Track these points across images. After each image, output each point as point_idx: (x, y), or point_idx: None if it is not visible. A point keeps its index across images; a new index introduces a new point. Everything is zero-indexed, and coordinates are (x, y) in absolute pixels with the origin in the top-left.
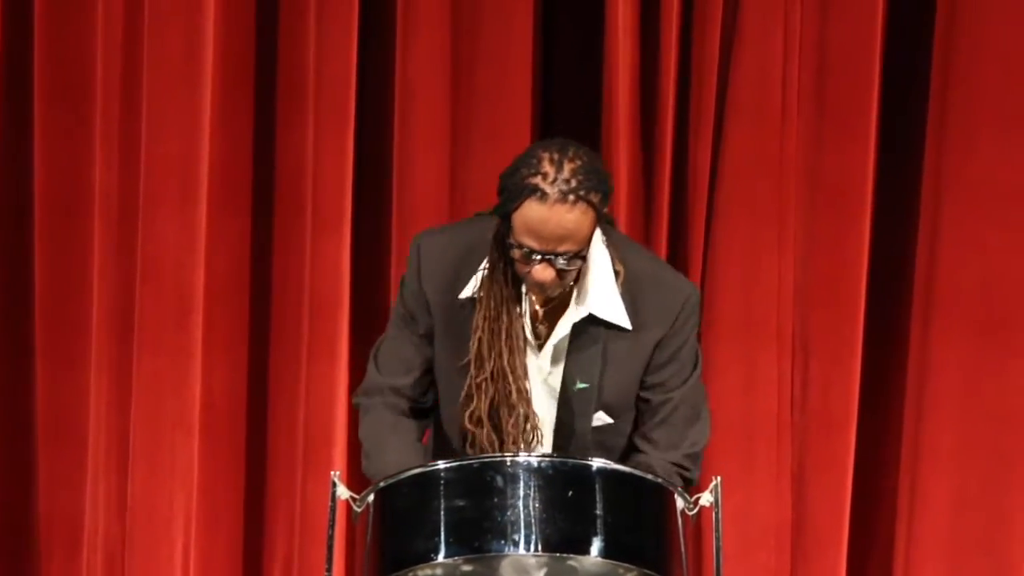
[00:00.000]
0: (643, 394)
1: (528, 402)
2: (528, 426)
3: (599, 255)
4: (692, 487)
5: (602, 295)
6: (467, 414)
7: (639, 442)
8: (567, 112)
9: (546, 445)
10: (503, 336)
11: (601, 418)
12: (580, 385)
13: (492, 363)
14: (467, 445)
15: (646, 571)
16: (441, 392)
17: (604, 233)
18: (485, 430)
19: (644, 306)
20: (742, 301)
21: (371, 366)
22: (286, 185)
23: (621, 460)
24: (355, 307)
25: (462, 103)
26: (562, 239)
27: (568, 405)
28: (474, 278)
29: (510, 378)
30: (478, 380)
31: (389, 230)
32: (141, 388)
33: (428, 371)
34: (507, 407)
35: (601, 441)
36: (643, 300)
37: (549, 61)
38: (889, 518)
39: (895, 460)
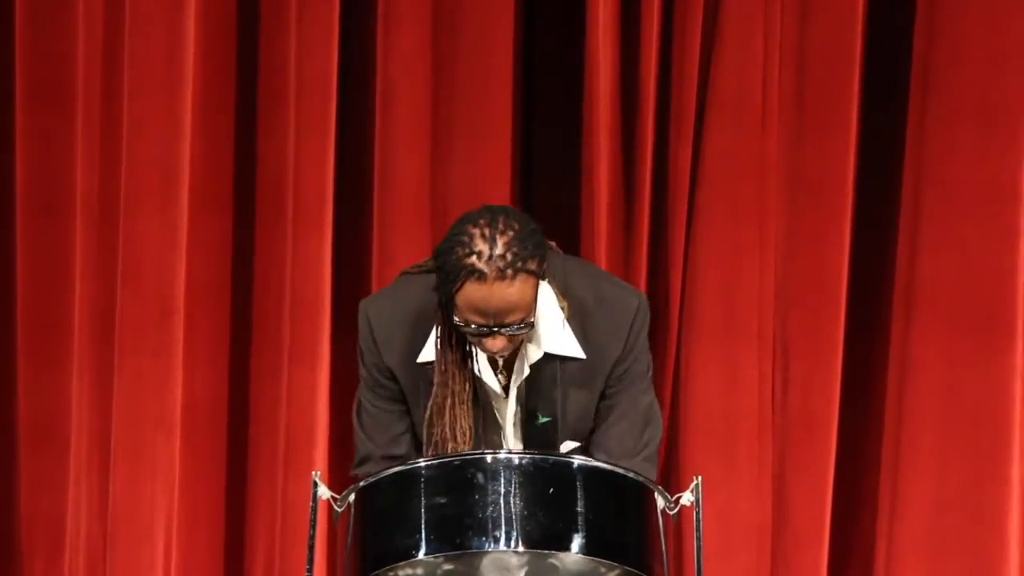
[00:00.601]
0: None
1: None
2: None
3: (544, 296)
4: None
5: (552, 332)
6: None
7: (593, 450)
8: (548, 111)
9: None
10: (452, 402)
11: (568, 445)
12: (542, 420)
13: (440, 428)
14: None
15: (627, 568)
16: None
17: (543, 263)
18: None
19: (594, 330)
20: (723, 301)
21: (360, 435)
22: (267, 186)
23: None
24: (336, 308)
25: (443, 103)
26: (507, 312)
27: (534, 439)
28: (429, 341)
29: (450, 446)
30: (440, 439)
31: (371, 230)
32: (122, 389)
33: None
34: None
35: None
36: (592, 325)
37: (530, 60)
38: (870, 518)
39: (876, 460)
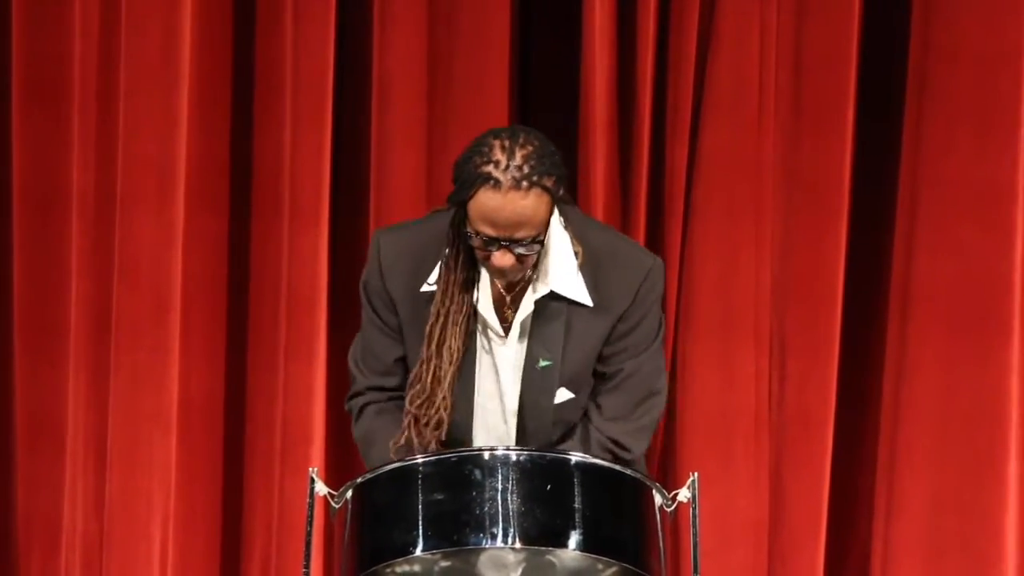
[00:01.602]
0: (598, 366)
1: (442, 385)
2: (437, 412)
3: (558, 236)
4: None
5: (563, 273)
6: (411, 391)
7: (588, 407)
8: (544, 107)
9: (510, 424)
10: (444, 321)
11: (563, 394)
12: (543, 363)
13: (435, 343)
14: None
15: (624, 565)
16: None
17: (562, 214)
18: (409, 412)
19: (605, 282)
20: (720, 299)
21: (353, 369)
22: (263, 183)
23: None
24: (333, 304)
25: (439, 99)
26: (518, 225)
27: (532, 384)
28: (435, 270)
29: (433, 363)
30: (427, 355)
31: (367, 227)
32: (119, 386)
33: (407, 364)
34: (425, 389)
35: (561, 416)
36: (603, 276)
37: (526, 56)
38: (866, 516)
39: (872, 458)
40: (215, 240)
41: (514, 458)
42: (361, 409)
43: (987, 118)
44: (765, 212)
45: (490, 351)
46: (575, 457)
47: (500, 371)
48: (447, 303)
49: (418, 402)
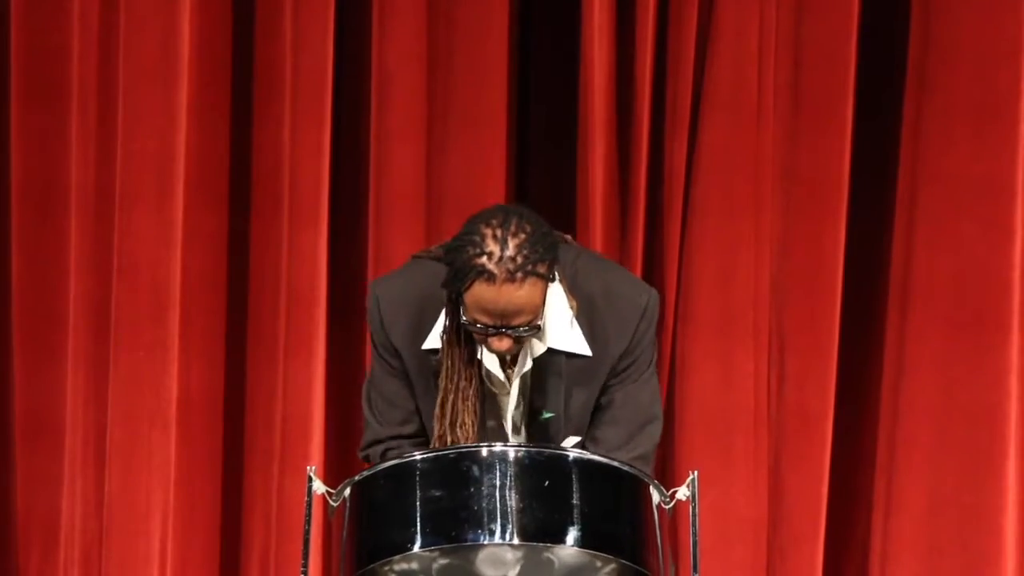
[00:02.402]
0: (600, 399)
1: None
2: None
3: (553, 294)
4: None
5: (559, 329)
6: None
7: (587, 440)
8: (543, 105)
9: None
10: (454, 398)
11: (571, 440)
12: (547, 415)
13: (447, 420)
14: None
15: (622, 561)
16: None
17: (556, 263)
18: None
19: (602, 326)
20: (719, 296)
21: (368, 416)
22: (263, 180)
23: None
24: (332, 302)
25: (438, 96)
26: (514, 315)
27: (537, 434)
28: (435, 328)
29: (449, 439)
30: (439, 434)
31: (366, 224)
32: (118, 384)
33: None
34: None
35: None
36: (600, 320)
37: (525, 54)
38: (866, 513)
39: (871, 455)
40: (214, 237)
41: (512, 454)
42: (383, 454)
43: (986, 115)
44: (764, 209)
45: (496, 406)
46: (573, 453)
47: (505, 415)
48: (455, 378)
49: None
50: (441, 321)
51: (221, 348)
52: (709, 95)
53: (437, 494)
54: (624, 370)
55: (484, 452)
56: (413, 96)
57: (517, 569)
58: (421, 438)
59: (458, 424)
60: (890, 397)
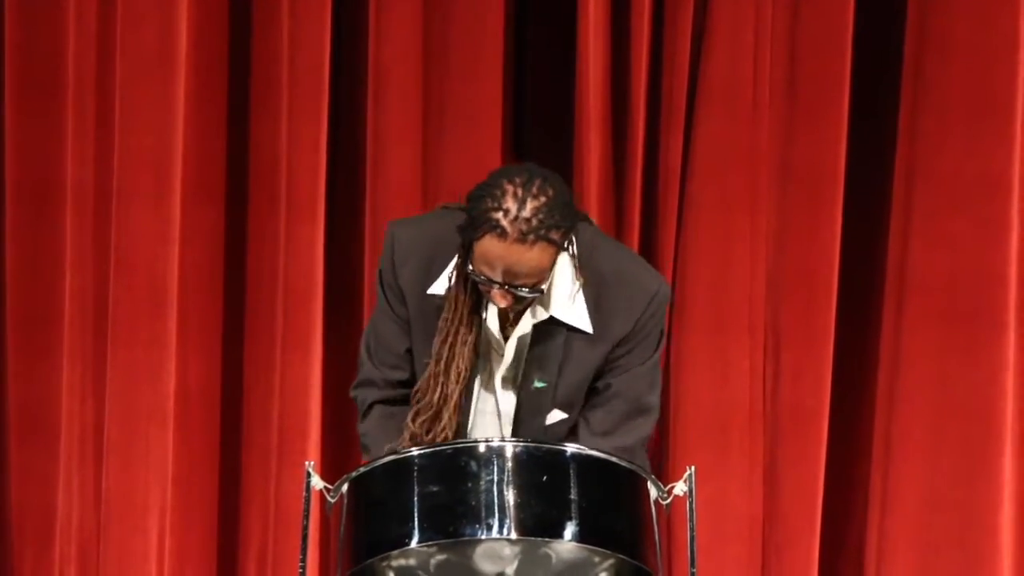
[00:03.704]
0: (597, 383)
1: (449, 407)
2: (444, 432)
3: (562, 263)
4: None
5: (564, 300)
6: (416, 407)
7: (579, 421)
8: (539, 101)
9: (506, 433)
10: (453, 340)
11: (555, 415)
12: (539, 384)
13: (443, 362)
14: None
15: (620, 556)
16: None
17: (572, 237)
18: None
19: (607, 305)
20: (715, 292)
21: (364, 355)
22: (260, 176)
23: None
24: (329, 297)
25: (434, 92)
26: (519, 275)
27: (526, 403)
28: (443, 275)
29: (441, 380)
30: (434, 372)
31: (363, 220)
32: (115, 380)
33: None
34: (432, 407)
35: (552, 432)
36: (607, 299)
37: (521, 50)
38: (861, 509)
39: (867, 451)
40: (212, 234)
41: (509, 450)
42: (370, 407)
43: (982, 111)
44: (760, 205)
45: (489, 363)
46: (571, 448)
47: (497, 384)
48: (456, 323)
49: (422, 419)
50: (449, 268)
51: (218, 344)
52: (705, 91)
53: (434, 489)
54: (623, 356)
55: (482, 447)
56: (409, 93)
57: (515, 564)
58: (407, 389)
59: (452, 368)
60: (886, 393)
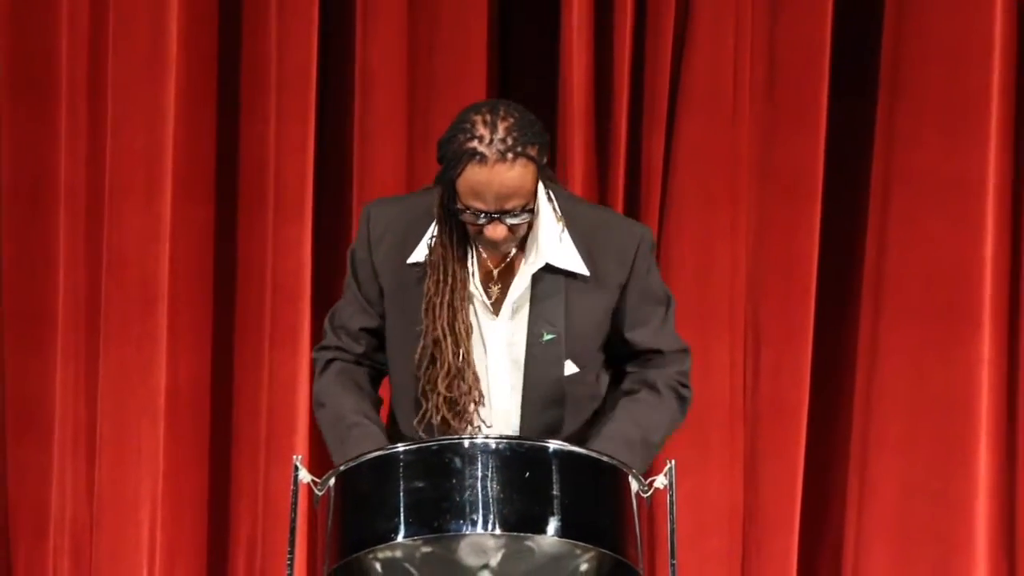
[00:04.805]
0: (628, 336)
1: (469, 363)
2: (471, 390)
3: (544, 210)
4: (687, 408)
5: (554, 245)
6: (425, 376)
7: (635, 370)
8: (523, 101)
9: (513, 405)
10: (450, 297)
11: (569, 367)
12: (547, 336)
13: (440, 324)
14: (421, 413)
15: (602, 550)
16: (391, 359)
17: (547, 188)
18: (439, 393)
19: (599, 250)
20: (696, 290)
21: (326, 324)
22: (249, 175)
23: (590, 414)
24: (316, 294)
25: (420, 93)
26: (508, 197)
27: (537, 359)
28: (422, 243)
29: (450, 340)
30: (431, 340)
31: (350, 219)
32: (107, 375)
33: (380, 339)
34: (452, 368)
35: (569, 391)
36: (597, 245)
37: (505, 52)
38: (839, 502)
39: (845, 445)
40: (201, 232)
41: (493, 446)
42: (327, 363)
43: (957, 114)
44: (740, 204)
45: (478, 327)
46: (553, 445)
47: (488, 347)
48: (448, 279)
49: (448, 381)
50: (428, 235)
51: (208, 340)
52: (686, 93)
53: (420, 485)
54: (640, 305)
55: (466, 444)
56: (395, 94)
57: (498, 556)
58: (371, 355)
59: (457, 324)
60: (863, 388)
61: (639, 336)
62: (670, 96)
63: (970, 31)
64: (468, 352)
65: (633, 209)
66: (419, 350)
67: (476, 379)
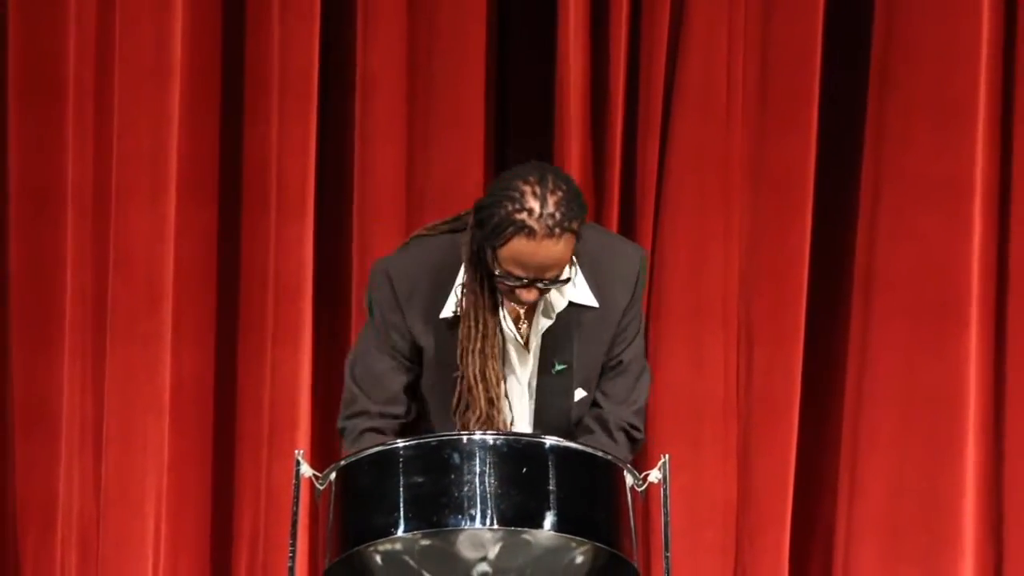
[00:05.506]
0: (615, 351)
1: (499, 409)
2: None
3: None
4: (639, 447)
5: (574, 283)
6: (460, 419)
7: (597, 396)
8: (521, 102)
9: (525, 427)
10: (481, 345)
11: (578, 394)
12: (559, 367)
13: (472, 371)
14: None
15: (597, 544)
16: (434, 408)
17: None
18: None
19: (605, 279)
20: (690, 289)
21: (352, 387)
22: (252, 176)
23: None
24: (318, 293)
25: (420, 96)
26: (549, 268)
27: (548, 387)
28: (452, 296)
29: (481, 387)
30: (465, 387)
31: (350, 218)
32: (113, 373)
33: (415, 389)
34: (484, 414)
35: (576, 414)
36: (602, 273)
37: (503, 55)
38: (830, 497)
39: (836, 440)
40: (205, 232)
41: (491, 442)
42: (362, 432)
43: (946, 114)
44: (733, 205)
45: (511, 362)
46: (549, 441)
47: (523, 379)
48: (480, 328)
49: (479, 426)
50: (455, 289)
51: (212, 338)
52: (680, 95)
53: (419, 480)
54: (627, 327)
55: (464, 440)
56: (395, 96)
57: (496, 550)
58: (405, 420)
59: (488, 371)
60: (854, 385)
61: (618, 348)
62: (665, 99)
63: (959, 32)
64: (497, 398)
65: (629, 210)
66: (456, 394)
67: (505, 424)
